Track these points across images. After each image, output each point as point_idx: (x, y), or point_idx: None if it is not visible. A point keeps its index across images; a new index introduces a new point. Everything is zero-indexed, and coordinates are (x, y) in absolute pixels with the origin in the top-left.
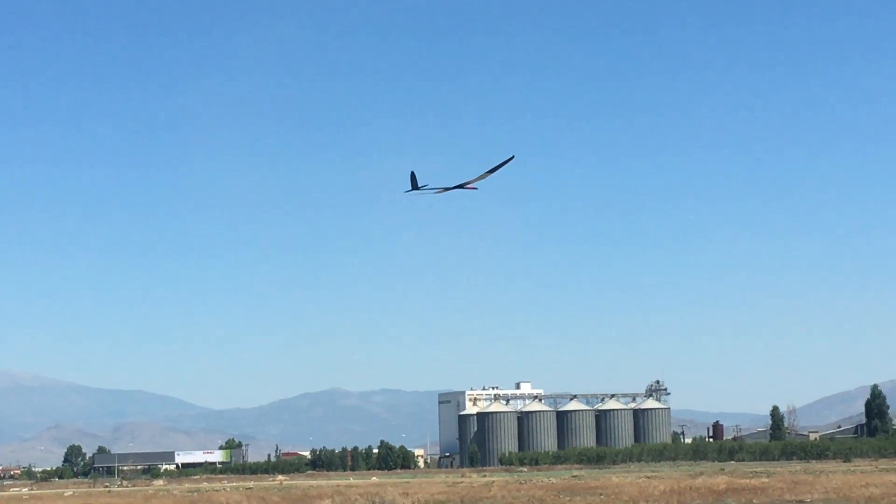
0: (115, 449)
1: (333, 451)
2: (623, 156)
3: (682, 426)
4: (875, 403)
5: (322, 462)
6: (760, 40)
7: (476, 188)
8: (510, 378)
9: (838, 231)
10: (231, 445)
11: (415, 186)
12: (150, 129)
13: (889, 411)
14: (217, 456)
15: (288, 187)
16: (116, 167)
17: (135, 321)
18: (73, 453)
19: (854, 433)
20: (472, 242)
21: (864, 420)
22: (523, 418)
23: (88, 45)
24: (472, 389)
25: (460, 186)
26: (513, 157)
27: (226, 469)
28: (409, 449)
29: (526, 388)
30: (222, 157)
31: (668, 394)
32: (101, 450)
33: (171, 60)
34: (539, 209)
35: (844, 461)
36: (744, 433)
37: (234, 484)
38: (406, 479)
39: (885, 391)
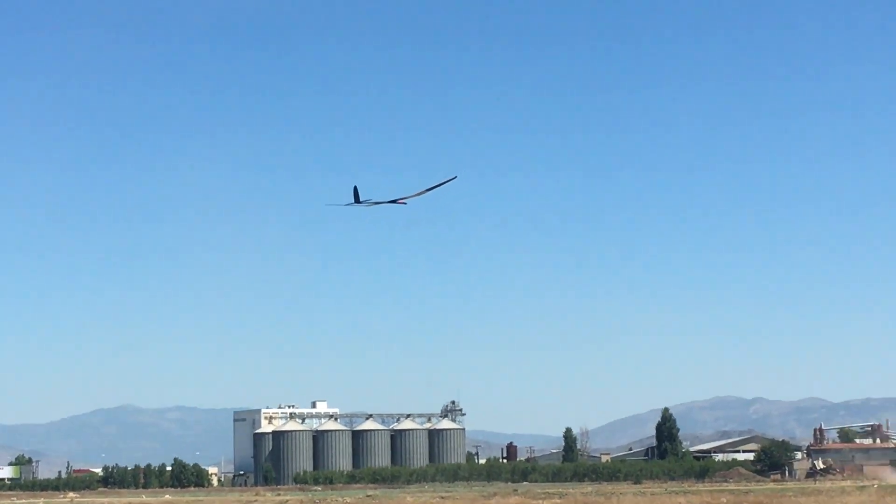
0: None
1: (126, 468)
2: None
3: (477, 447)
4: (665, 426)
5: (114, 479)
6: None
7: (406, 203)
8: (306, 397)
9: (626, 255)
10: (21, 461)
11: (357, 200)
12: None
13: (679, 434)
14: (6, 472)
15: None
16: None
17: None
18: None
19: (645, 455)
20: (264, 259)
21: (654, 443)
22: (319, 437)
23: None
24: (267, 408)
25: (393, 202)
26: (455, 177)
27: (15, 485)
28: (203, 467)
29: (322, 407)
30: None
31: (464, 414)
32: None
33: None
34: (336, 229)
35: (635, 483)
36: (537, 454)
37: (24, 501)
38: (199, 498)
39: (675, 414)
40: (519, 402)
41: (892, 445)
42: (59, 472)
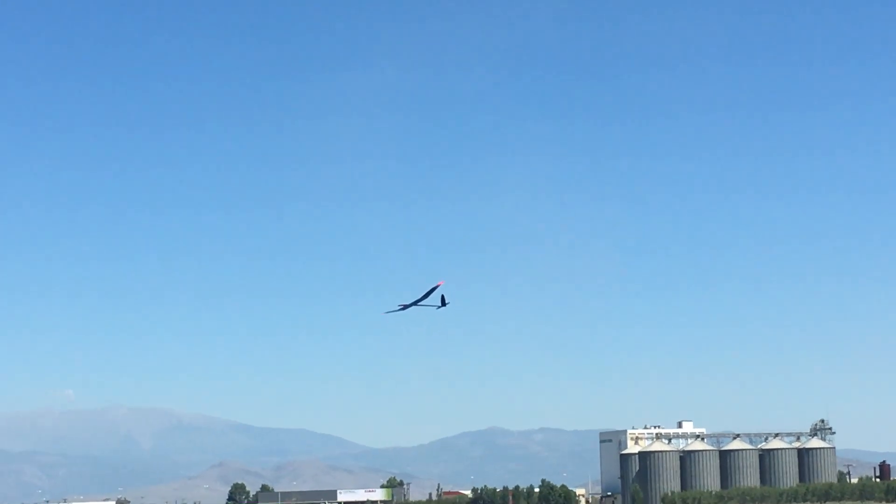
0: (278, 487)
1: (495, 489)
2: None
3: (848, 466)
4: None
5: (484, 501)
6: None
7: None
8: (671, 417)
9: None
10: (392, 484)
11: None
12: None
13: None
14: (378, 495)
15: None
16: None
17: (295, 362)
18: (237, 491)
19: None
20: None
21: None
22: (685, 458)
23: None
24: (633, 428)
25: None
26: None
27: None
28: (570, 488)
29: (688, 428)
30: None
31: (834, 433)
32: (264, 488)
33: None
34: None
35: None
36: None
37: None
38: None
39: None
40: (893, 418)
41: None
42: (430, 494)
